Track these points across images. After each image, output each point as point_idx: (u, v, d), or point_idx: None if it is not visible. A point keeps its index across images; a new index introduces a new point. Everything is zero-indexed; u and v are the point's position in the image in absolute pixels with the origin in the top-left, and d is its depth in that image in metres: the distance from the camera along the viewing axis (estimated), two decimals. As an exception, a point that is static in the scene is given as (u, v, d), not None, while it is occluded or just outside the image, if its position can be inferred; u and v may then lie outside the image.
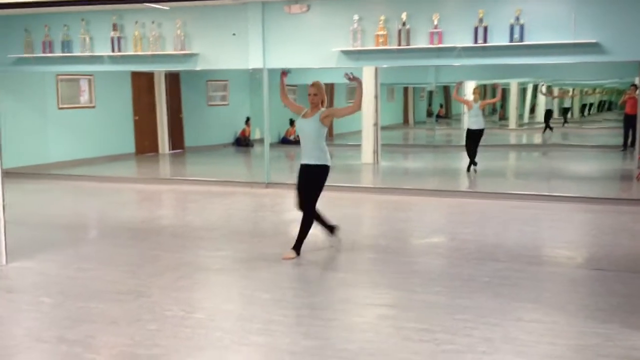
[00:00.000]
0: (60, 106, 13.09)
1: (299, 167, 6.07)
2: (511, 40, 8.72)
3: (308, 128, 5.94)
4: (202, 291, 5.25)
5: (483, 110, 11.95)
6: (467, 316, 4.48)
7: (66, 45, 10.86)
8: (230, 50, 10.17)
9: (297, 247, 6.02)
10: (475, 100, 11.73)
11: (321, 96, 5.97)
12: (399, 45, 9.19)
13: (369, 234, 7.62)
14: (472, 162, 11.83)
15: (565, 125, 24.68)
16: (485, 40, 8.81)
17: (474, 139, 11.80)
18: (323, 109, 5.96)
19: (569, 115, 26.07)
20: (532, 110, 32.09)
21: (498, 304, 4.76)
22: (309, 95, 5.96)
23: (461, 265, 5.86)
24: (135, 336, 4.17)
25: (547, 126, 21.22)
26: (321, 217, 6.20)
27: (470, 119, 11.84)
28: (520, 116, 27.96)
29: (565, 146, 18.18)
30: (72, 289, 5.19)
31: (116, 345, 4.02)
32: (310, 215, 6.00)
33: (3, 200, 5.82)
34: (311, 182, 5.95)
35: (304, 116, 6.01)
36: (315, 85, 5.99)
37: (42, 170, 12.07)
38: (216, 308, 4.65)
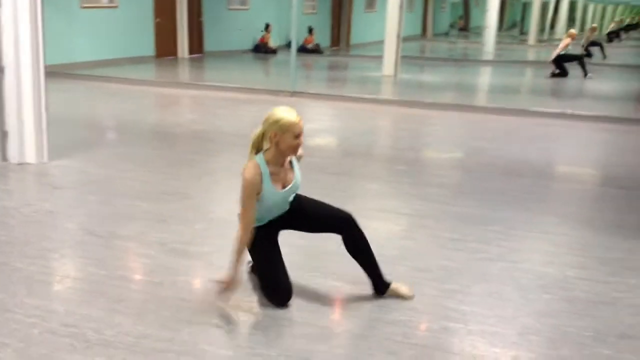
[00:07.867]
0: (83, 5, 12.97)
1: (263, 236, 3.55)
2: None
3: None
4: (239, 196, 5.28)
5: None
6: (498, 227, 4.69)
7: (91, -58, 10.68)
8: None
9: (380, 283, 3.65)
10: None
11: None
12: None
13: (396, 146, 7.76)
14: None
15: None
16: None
17: None
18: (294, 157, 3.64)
19: None
20: (552, 26, 31.49)
21: (526, 218, 4.95)
22: (297, 137, 3.36)
23: (489, 180, 6.04)
24: (184, 234, 4.40)
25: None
26: None
27: None
28: (541, 31, 27.41)
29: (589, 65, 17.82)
30: (115, 187, 5.39)
31: (167, 242, 4.25)
32: (354, 220, 3.58)
33: (46, 99, 5.96)
34: (305, 211, 3.64)
35: (284, 185, 3.51)
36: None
37: (66, 69, 12.11)
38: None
